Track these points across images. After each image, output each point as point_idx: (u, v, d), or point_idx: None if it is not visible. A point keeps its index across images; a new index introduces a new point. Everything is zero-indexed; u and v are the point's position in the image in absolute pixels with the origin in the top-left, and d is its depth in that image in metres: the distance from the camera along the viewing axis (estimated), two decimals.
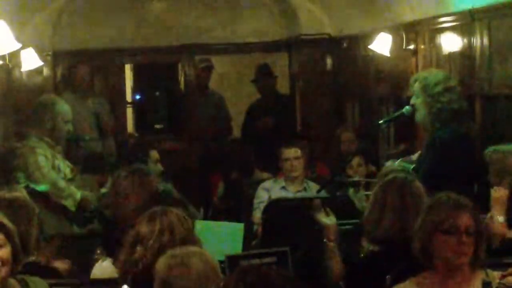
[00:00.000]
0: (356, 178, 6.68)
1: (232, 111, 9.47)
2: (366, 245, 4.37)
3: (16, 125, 7.93)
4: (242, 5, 9.86)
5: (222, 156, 8.46)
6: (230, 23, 9.88)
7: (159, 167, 6.49)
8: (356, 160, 6.92)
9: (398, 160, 5.67)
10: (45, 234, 5.00)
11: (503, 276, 3.60)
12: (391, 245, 4.01)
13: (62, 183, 6.08)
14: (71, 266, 4.79)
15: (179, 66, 10.02)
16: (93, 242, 4.96)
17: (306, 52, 9.56)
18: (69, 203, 6.07)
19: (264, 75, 9.28)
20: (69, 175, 6.21)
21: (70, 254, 5.05)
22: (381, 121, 6.10)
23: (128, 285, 3.57)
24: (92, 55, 9.37)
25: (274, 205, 6.02)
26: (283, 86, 9.74)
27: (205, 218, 6.87)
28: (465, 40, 6.18)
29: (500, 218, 4.51)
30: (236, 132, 9.44)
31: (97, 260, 4.37)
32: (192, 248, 3.35)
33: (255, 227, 6.40)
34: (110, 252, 4.25)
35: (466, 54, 6.17)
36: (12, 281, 3.50)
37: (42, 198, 5.90)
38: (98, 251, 4.48)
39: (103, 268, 4.25)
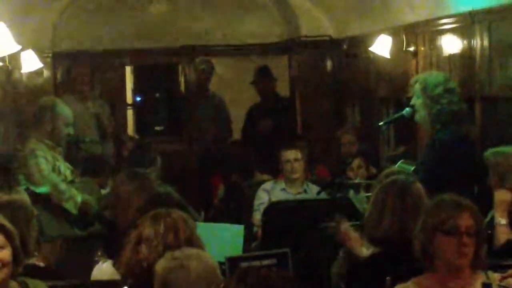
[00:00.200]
0: (356, 180, 6.68)
1: (232, 113, 9.47)
2: (366, 246, 4.38)
3: (16, 127, 7.93)
4: (243, 7, 9.87)
5: (223, 158, 8.46)
6: (230, 25, 9.89)
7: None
8: (356, 162, 6.92)
9: (399, 162, 5.67)
10: (46, 236, 5.01)
11: (503, 278, 3.60)
12: (391, 246, 4.01)
13: (62, 185, 6.08)
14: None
15: (179, 67, 10.03)
16: (93, 244, 4.97)
17: (306, 54, 9.56)
18: (70, 206, 6.06)
19: (264, 77, 9.28)
20: (69, 177, 6.22)
21: (70, 256, 5.06)
22: (381, 123, 6.11)
23: (129, 287, 3.57)
24: (92, 57, 9.37)
25: (274, 207, 6.03)
26: (283, 88, 9.74)
27: (206, 220, 6.87)
28: (465, 42, 6.19)
29: (503, 221, 4.51)
30: (236, 134, 9.44)
31: (97, 262, 4.37)
32: (192, 250, 3.36)
33: (255, 229, 6.41)
34: (111, 254, 4.25)
35: (466, 56, 6.18)
36: (12, 283, 3.50)
37: (43, 200, 5.91)
38: (99, 253, 4.47)
39: (104, 269, 4.25)
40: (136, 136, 10.00)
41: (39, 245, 4.26)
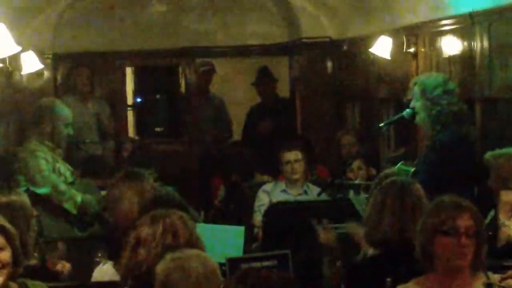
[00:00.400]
0: (357, 181, 6.68)
1: (232, 114, 9.48)
2: (366, 247, 4.38)
3: (16, 128, 7.93)
4: (243, 8, 9.88)
5: (223, 158, 8.45)
6: (231, 26, 9.89)
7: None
8: (356, 163, 6.93)
9: (399, 163, 5.67)
10: (46, 237, 5.01)
11: (503, 279, 3.60)
12: (390, 247, 4.01)
13: (63, 186, 6.08)
14: (70, 270, 4.78)
15: (180, 69, 10.03)
16: (94, 245, 4.96)
17: (307, 55, 9.56)
18: (70, 206, 6.07)
19: (264, 78, 9.30)
20: (69, 178, 6.21)
21: (71, 257, 5.06)
22: (381, 124, 6.11)
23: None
24: (93, 58, 9.38)
25: (274, 208, 6.02)
26: (283, 89, 9.74)
27: (206, 221, 6.86)
28: (465, 43, 6.18)
29: (507, 222, 4.50)
30: (237, 135, 9.45)
31: (98, 263, 4.37)
32: (192, 251, 3.35)
33: (256, 230, 6.41)
34: (111, 255, 4.25)
35: (466, 57, 6.17)
36: (12, 284, 3.50)
37: (43, 201, 5.91)
38: (99, 254, 4.47)
39: (104, 271, 4.25)
40: (136, 137, 10.01)
41: (41, 245, 4.27)
